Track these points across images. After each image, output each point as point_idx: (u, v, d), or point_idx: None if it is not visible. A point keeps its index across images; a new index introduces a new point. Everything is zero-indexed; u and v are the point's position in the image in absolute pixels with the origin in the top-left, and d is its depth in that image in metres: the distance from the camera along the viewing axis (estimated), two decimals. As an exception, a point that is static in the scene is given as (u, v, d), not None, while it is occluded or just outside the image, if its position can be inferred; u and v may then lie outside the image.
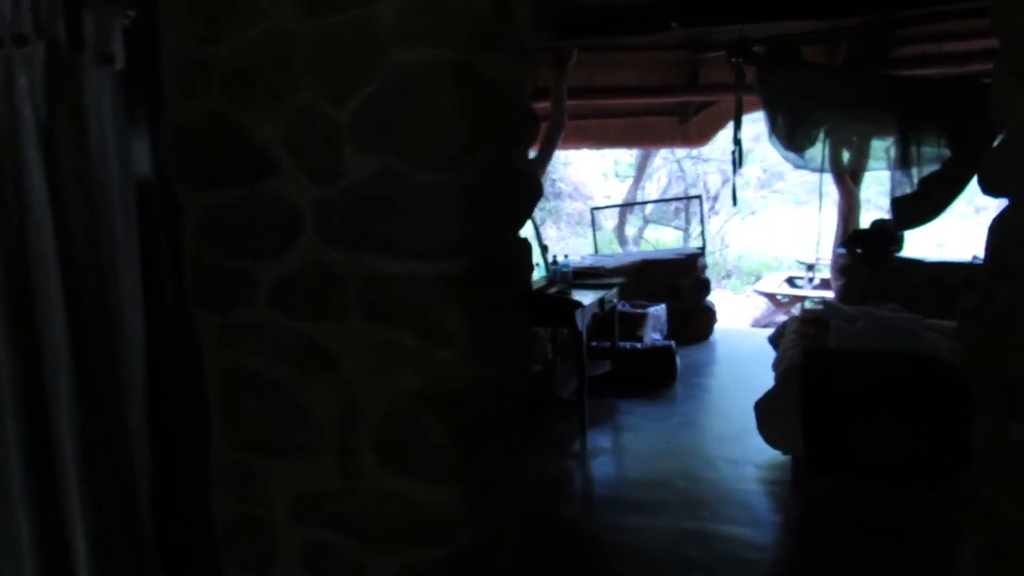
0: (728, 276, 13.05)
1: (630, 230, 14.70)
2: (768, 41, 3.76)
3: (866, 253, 6.42)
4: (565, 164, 15.41)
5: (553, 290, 4.93)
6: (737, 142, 3.97)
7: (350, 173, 1.57)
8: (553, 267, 5.15)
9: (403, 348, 1.56)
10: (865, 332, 3.48)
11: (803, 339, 3.72)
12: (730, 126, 11.30)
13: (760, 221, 14.93)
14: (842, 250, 6.65)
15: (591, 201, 16.57)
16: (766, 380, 5.64)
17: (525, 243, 1.81)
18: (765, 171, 15.57)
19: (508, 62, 1.59)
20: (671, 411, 5.09)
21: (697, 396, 5.40)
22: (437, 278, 1.51)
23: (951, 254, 11.74)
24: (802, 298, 9.44)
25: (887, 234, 6.41)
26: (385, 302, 1.57)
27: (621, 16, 3.38)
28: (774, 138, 3.89)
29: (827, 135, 4.12)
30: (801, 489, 3.42)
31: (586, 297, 4.87)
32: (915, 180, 3.53)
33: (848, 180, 7.33)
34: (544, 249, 5.18)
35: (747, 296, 11.80)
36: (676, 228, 14.72)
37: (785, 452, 3.47)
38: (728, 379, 5.85)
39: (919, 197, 3.47)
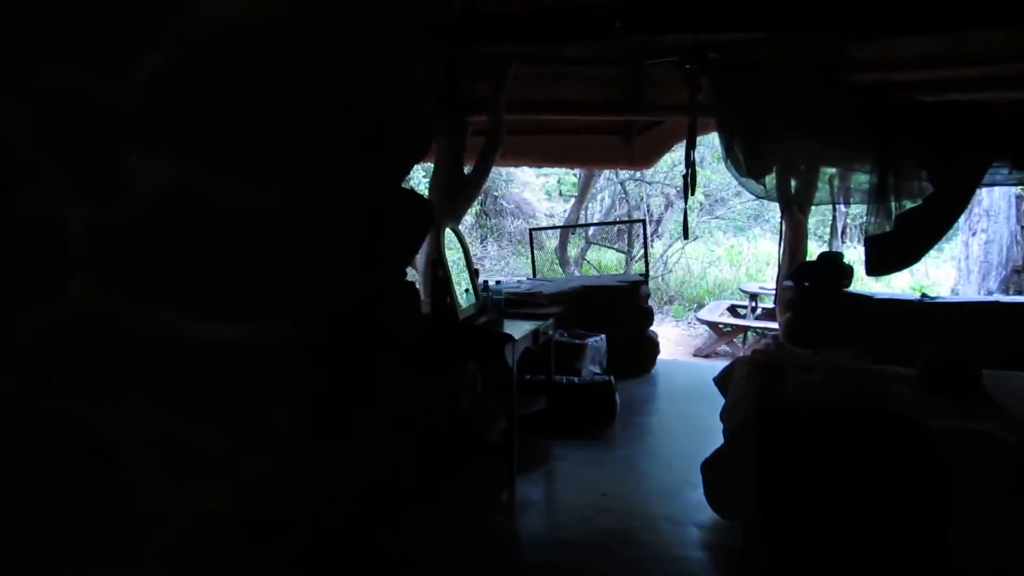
0: (670, 302, 12.77)
1: (572, 251, 14.36)
2: (725, 48, 3.37)
3: (814, 287, 6.13)
4: (507, 181, 15.01)
5: (483, 320, 4.44)
6: (690, 164, 3.55)
7: (138, 187, 1.05)
8: (484, 294, 4.67)
9: (202, 450, 1.05)
10: (825, 384, 3.09)
11: (756, 388, 3.30)
12: (675, 149, 11.09)
13: (702, 247, 14.78)
14: (789, 283, 6.35)
15: (533, 220, 16.20)
16: (710, 421, 5.25)
17: (410, 291, 1.32)
18: (707, 196, 15.46)
19: (379, 36, 1.10)
20: (609, 456, 4.64)
21: (637, 438, 4.96)
22: (254, 348, 1.00)
23: (875, 288, 11.74)
24: (745, 328, 9.20)
25: (837, 267, 6.15)
26: (179, 380, 1.06)
27: (561, 18, 2.95)
28: (729, 163, 3.49)
29: (791, 162, 3.73)
30: (753, 562, 2.99)
31: (518, 329, 4.39)
32: (893, 217, 3.15)
33: (796, 209, 7.06)
34: (475, 274, 4.69)
35: (689, 323, 11.53)
36: (619, 250, 14.44)
37: (737, 522, 3.03)
38: (670, 419, 5.44)
39: (898, 236, 3.09)
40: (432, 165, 6.53)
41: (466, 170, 6.32)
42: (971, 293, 9.36)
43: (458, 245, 4.69)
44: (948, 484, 2.76)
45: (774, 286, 9.64)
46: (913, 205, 3.02)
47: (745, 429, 2.94)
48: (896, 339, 5.78)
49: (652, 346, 6.79)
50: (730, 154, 3.41)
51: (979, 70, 5.48)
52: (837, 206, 12.31)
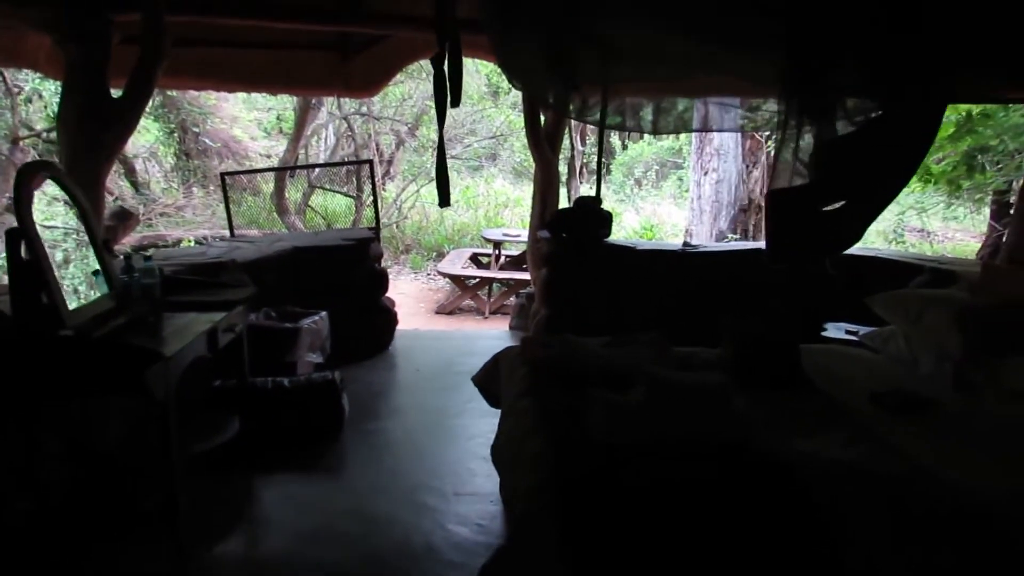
0: (407, 251, 11.56)
1: (294, 195, 12.49)
2: None
3: (573, 237, 5.25)
4: (206, 115, 12.60)
5: (119, 321, 2.82)
6: (450, 38, 2.14)
7: None
8: (126, 276, 3.02)
9: None
10: (650, 410, 2.04)
11: (544, 421, 2.16)
12: (404, 79, 9.63)
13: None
14: (545, 233, 5.41)
15: (247, 162, 13.94)
16: (462, 419, 4.12)
17: None
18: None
19: None
20: (334, 492, 3.33)
21: (372, 458, 3.68)
22: None
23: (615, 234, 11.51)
24: (491, 280, 8.30)
25: (596, 215, 5.30)
26: None
27: None
28: (508, 69, 2.20)
29: (622, 63, 2.49)
30: None
31: (181, 330, 2.86)
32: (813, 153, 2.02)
33: (546, 147, 6.14)
34: (101, 246, 3.01)
35: (429, 275, 10.44)
36: (347, 195, 12.83)
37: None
38: (414, 419, 4.22)
39: (828, 187, 1.96)
40: (62, 83, 4.52)
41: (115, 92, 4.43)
42: (704, 234, 9.34)
43: (70, 201, 2.97)
44: (829, 537, 1.87)
45: (519, 233, 8.86)
46: (848, 130, 1.93)
47: (544, 505, 1.78)
48: (661, 292, 5.14)
49: (388, 318, 5.52)
50: (512, 51, 2.11)
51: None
52: (576, 141, 11.84)
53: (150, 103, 12.21)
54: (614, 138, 16.04)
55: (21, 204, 2.50)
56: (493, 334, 6.27)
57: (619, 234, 11.48)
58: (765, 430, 2.22)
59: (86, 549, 2.72)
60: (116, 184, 12.33)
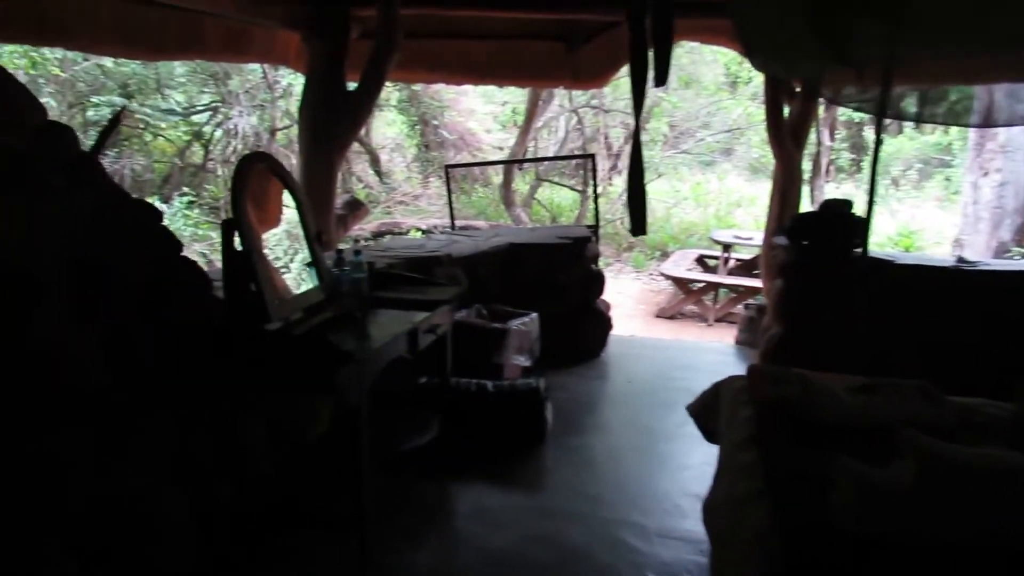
0: (630, 249, 11.19)
1: (522, 187, 12.63)
2: None
3: (815, 246, 4.57)
4: (444, 108, 13.09)
5: (326, 315, 2.79)
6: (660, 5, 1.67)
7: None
8: (336, 270, 2.99)
9: None
10: (922, 496, 1.53)
11: (772, 489, 1.72)
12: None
13: (667, 185, 13.13)
14: (782, 239, 4.78)
15: (479, 154, 14.36)
16: (675, 445, 3.71)
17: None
18: (672, 128, 13.77)
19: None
20: (529, 511, 3.09)
21: (574, 479, 3.39)
22: None
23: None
24: (717, 285, 7.69)
25: (846, 220, 4.58)
26: None
27: None
28: (751, 42, 1.79)
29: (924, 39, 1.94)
30: None
31: (386, 326, 2.78)
32: None
33: (788, 141, 5.48)
34: (317, 239, 3.00)
35: (651, 275, 10.00)
36: (573, 189, 12.69)
37: None
38: (622, 436, 3.88)
39: None
40: (305, 77, 4.74)
41: (351, 85, 4.56)
42: (980, 245, 7.95)
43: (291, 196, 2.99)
44: None
45: (751, 235, 8.13)
46: None
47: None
48: (928, 319, 4.30)
49: (602, 322, 5.22)
50: (756, 29, 1.68)
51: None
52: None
53: (396, 97, 13.03)
54: (866, 131, 14.38)
55: (237, 195, 2.52)
56: (716, 347, 5.72)
57: (869, 241, 10.15)
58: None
59: (273, 541, 2.73)
60: (365, 172, 13.29)
